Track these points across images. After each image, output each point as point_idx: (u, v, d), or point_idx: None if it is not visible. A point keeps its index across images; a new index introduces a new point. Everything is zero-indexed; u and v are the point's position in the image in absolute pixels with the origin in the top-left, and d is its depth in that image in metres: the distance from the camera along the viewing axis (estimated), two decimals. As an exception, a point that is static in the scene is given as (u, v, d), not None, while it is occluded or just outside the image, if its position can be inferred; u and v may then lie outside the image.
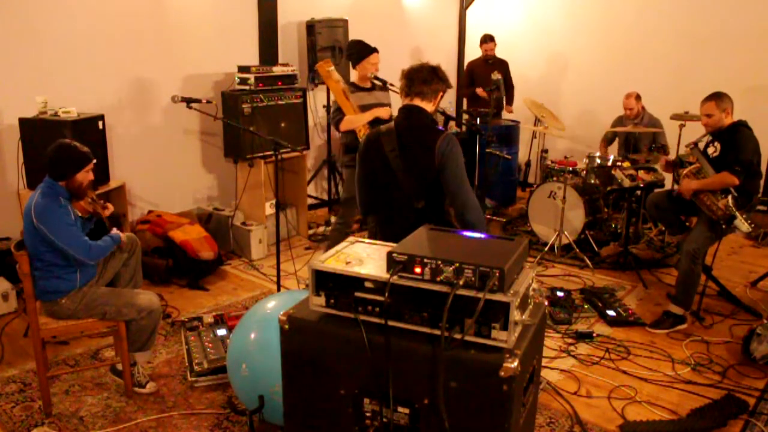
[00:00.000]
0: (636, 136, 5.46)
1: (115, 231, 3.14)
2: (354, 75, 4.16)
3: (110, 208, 3.17)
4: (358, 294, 1.78)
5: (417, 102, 2.80)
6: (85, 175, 2.93)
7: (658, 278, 4.72)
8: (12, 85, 4.24)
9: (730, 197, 3.71)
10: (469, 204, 2.72)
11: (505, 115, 7.04)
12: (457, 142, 2.75)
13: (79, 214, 3.00)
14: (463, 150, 2.78)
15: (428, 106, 2.82)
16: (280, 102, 5.24)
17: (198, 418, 2.89)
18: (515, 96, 6.96)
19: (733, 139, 3.83)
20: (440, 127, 2.84)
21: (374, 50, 4.13)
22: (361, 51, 4.08)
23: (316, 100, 6.17)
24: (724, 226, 3.73)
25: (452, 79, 8.12)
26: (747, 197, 3.81)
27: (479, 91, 6.63)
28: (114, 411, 2.96)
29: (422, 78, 2.77)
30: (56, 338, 3.43)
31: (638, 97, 5.49)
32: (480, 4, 7.97)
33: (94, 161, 2.99)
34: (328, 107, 6.19)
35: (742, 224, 3.66)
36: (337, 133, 4.17)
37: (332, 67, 4.18)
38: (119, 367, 3.13)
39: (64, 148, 2.90)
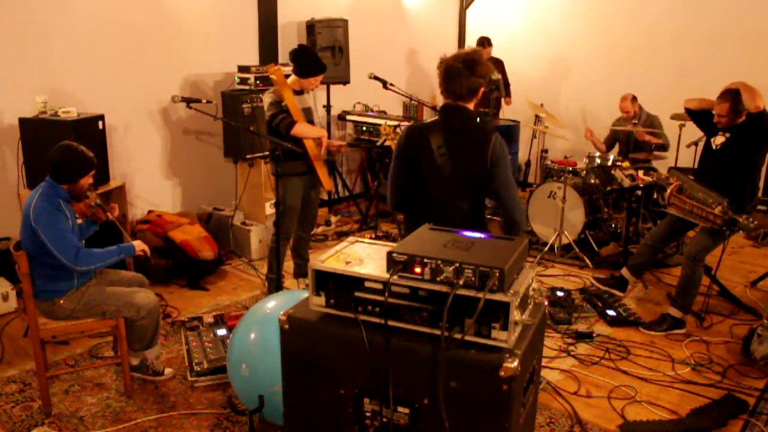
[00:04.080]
0: (635, 135, 5.46)
1: (132, 242, 3.07)
2: (291, 78, 4.01)
3: (116, 209, 3.17)
4: (358, 294, 1.79)
5: (460, 103, 2.68)
6: (87, 179, 2.96)
7: (658, 278, 4.72)
8: (12, 85, 4.23)
9: (725, 202, 3.64)
10: (518, 200, 2.74)
11: (505, 108, 7.03)
12: (504, 142, 2.71)
13: (76, 216, 2.99)
14: None
15: (470, 106, 2.71)
16: (280, 102, 5.23)
17: (198, 418, 2.89)
18: (512, 93, 6.95)
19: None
20: (489, 127, 2.76)
21: (325, 69, 4.03)
22: (318, 68, 3.93)
23: (316, 100, 6.16)
24: (728, 233, 3.67)
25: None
26: (742, 202, 3.75)
27: None
28: (114, 411, 2.96)
29: (459, 82, 2.61)
30: (56, 338, 3.43)
31: (634, 99, 5.48)
32: (480, 4, 7.96)
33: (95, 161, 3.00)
34: (328, 107, 6.19)
35: (746, 224, 3.57)
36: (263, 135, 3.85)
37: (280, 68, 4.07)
38: (134, 362, 3.17)
39: (73, 152, 2.89)
